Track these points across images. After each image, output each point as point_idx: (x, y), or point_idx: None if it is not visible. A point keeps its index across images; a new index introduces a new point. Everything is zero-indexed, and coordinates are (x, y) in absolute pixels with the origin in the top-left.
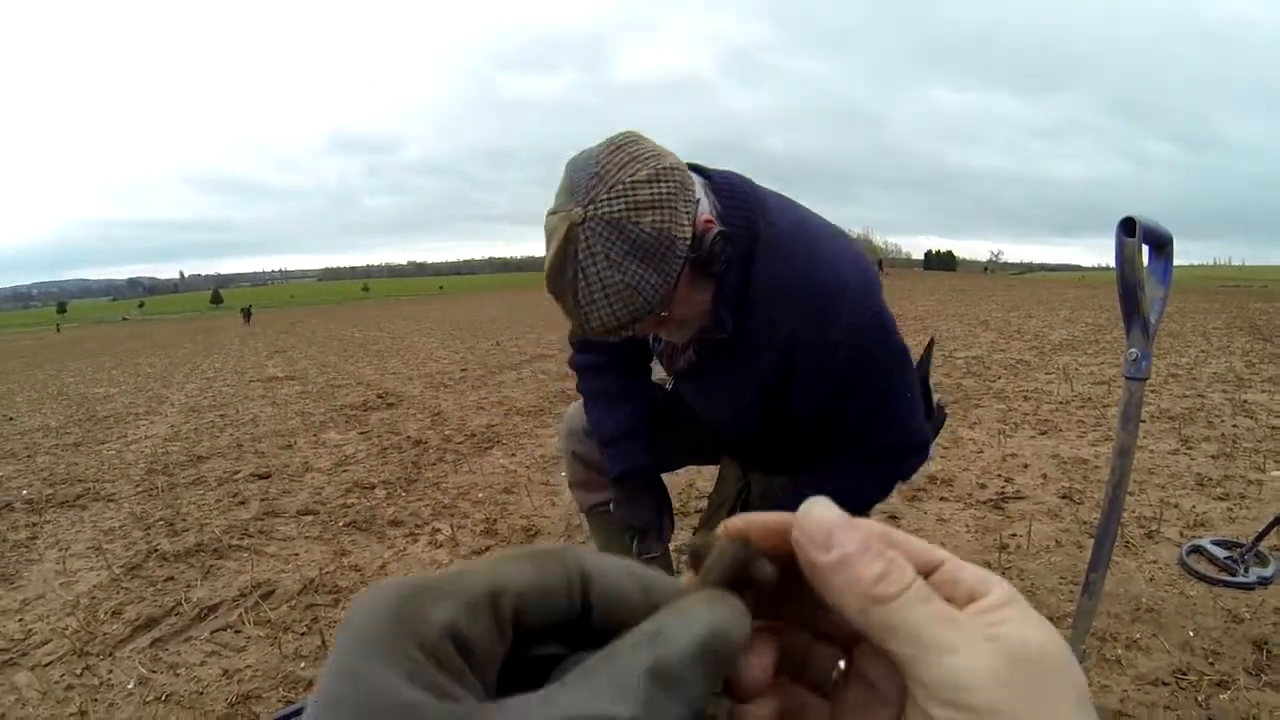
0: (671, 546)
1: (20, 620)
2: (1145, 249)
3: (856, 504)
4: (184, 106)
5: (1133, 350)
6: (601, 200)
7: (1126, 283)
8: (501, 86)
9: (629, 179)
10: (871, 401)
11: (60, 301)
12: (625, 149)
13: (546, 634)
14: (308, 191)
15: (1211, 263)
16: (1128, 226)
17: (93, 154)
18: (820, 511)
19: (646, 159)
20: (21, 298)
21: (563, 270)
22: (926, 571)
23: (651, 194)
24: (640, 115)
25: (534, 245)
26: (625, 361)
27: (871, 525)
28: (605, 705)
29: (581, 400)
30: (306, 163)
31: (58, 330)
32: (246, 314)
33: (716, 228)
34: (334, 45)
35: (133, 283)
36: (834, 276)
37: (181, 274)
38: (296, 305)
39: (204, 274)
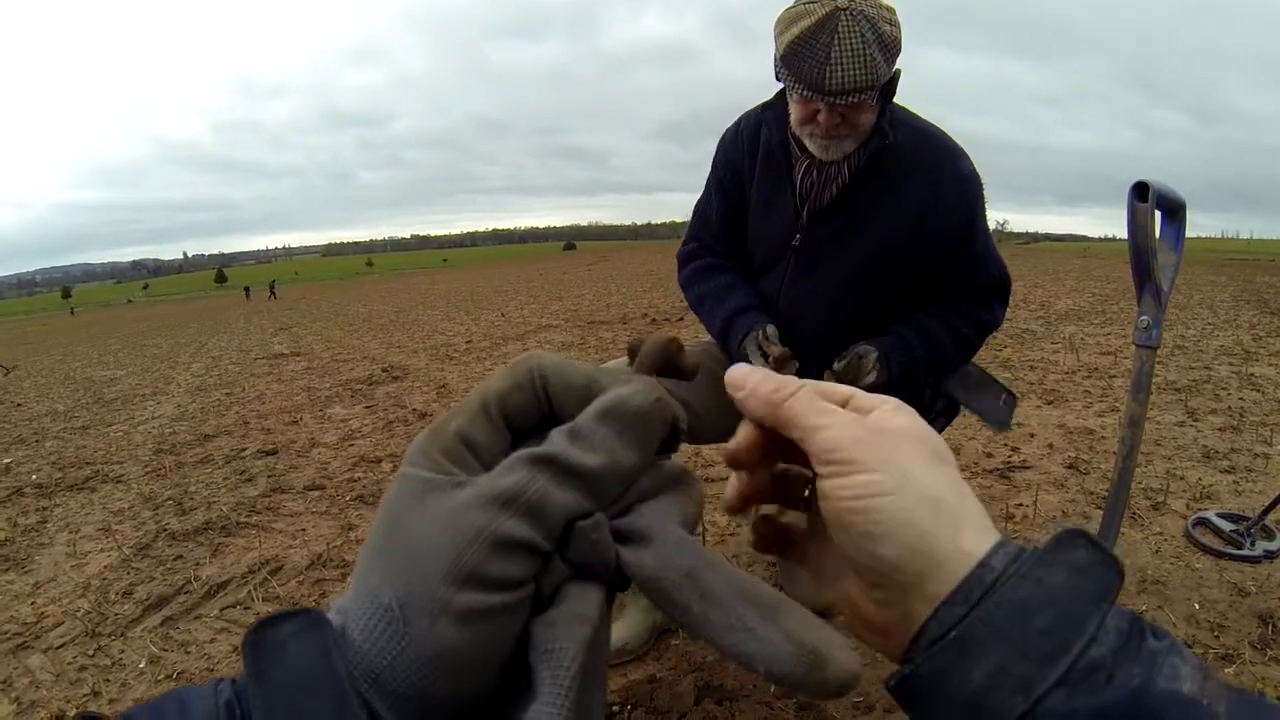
0: None
1: (33, 603)
2: (1158, 214)
3: (967, 350)
4: (168, 83)
5: (1144, 317)
6: (861, 2)
7: (1138, 249)
8: (490, 56)
9: (879, 1)
10: (984, 244)
11: (65, 286)
12: None
13: (533, 432)
14: (303, 168)
15: (1220, 235)
16: (1140, 191)
17: (87, 136)
18: (736, 368)
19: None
20: (26, 284)
21: (817, 36)
22: (841, 402)
23: (892, 17)
24: (634, 83)
25: (535, 217)
26: (737, 266)
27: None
28: (544, 448)
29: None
30: (296, 139)
31: (71, 313)
32: (270, 289)
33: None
34: (313, 15)
35: (137, 265)
36: (951, 138)
37: (185, 254)
38: (301, 281)
39: (207, 254)
